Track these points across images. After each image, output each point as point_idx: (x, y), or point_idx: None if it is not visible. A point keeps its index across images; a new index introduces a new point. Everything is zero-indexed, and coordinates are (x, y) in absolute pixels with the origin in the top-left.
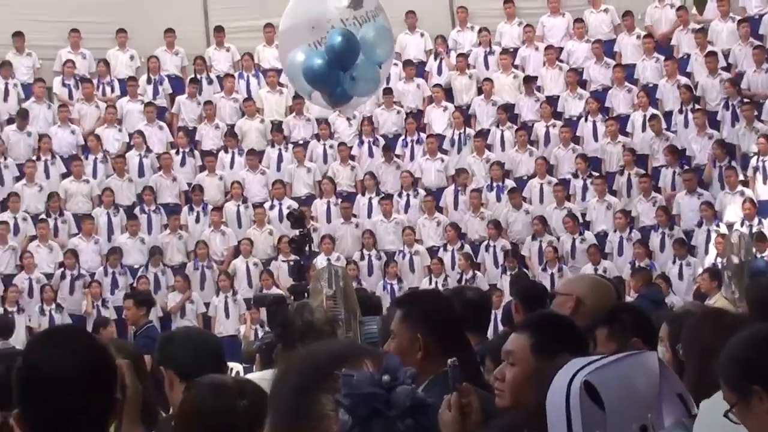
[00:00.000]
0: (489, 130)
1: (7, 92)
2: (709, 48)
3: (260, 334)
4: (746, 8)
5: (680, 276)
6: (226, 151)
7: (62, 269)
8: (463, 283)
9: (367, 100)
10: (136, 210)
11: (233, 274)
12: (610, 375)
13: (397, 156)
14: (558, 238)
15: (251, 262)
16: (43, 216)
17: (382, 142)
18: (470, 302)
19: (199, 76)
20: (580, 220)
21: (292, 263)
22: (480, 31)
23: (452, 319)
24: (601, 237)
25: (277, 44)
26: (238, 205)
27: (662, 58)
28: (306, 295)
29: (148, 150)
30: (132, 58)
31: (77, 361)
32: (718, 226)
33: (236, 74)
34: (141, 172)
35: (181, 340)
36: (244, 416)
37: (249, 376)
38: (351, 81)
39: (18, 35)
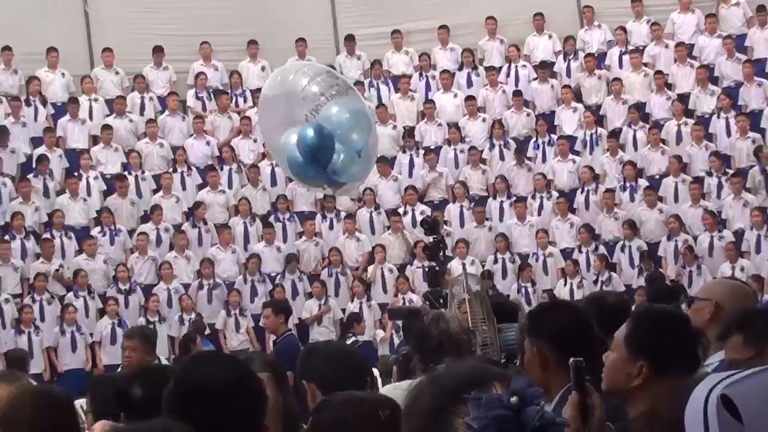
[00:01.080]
0: (621, 130)
1: (143, 106)
2: None
3: (396, 340)
4: None
5: None
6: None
7: (199, 279)
8: (598, 284)
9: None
10: (271, 218)
11: (370, 281)
12: (751, 387)
13: (529, 158)
14: (695, 237)
15: (386, 268)
16: (183, 227)
17: (513, 145)
18: (610, 307)
19: None
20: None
21: (427, 269)
22: (616, 29)
23: (575, 329)
24: (738, 235)
25: (405, 50)
26: (371, 212)
27: None
28: (442, 300)
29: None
30: (263, 69)
31: (223, 375)
32: None
33: (366, 82)
34: (274, 182)
35: (323, 354)
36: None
37: (383, 389)
38: (335, 174)
39: (158, 50)
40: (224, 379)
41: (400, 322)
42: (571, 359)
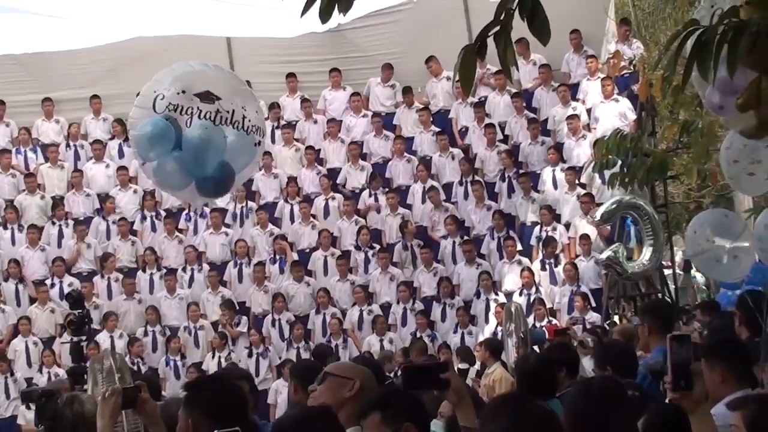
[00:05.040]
0: (276, 203)
1: None
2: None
3: None
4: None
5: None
6: (5, 227)
7: None
8: (253, 357)
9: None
10: None
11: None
12: None
13: (180, 230)
14: (343, 311)
15: (31, 341)
16: None
17: (163, 214)
18: None
19: None
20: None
21: (71, 344)
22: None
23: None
24: (385, 308)
25: (56, 118)
26: (17, 283)
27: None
28: (84, 377)
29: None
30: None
31: None
32: (497, 295)
33: (13, 149)
34: None
35: None
36: None
37: None
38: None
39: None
40: None
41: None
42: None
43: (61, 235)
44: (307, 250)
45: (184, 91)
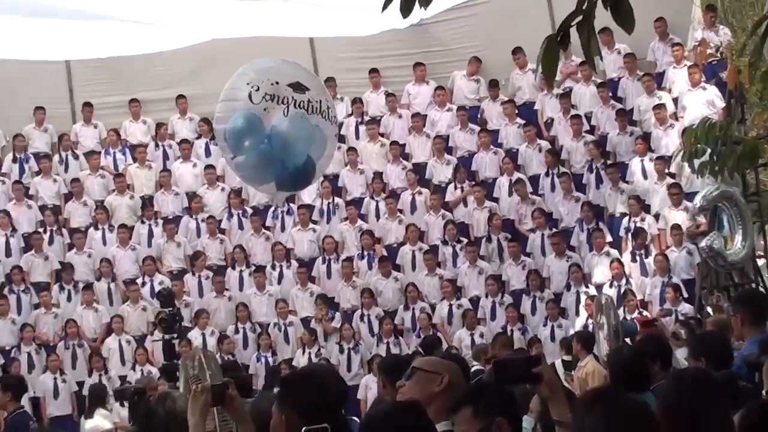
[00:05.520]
0: (362, 199)
1: None
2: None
3: None
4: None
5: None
6: (96, 228)
7: None
8: (345, 352)
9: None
10: (5, 290)
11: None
12: None
13: (267, 228)
14: (432, 306)
15: (124, 339)
16: None
17: (250, 212)
18: None
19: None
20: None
21: (163, 342)
22: (353, 101)
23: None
24: (474, 302)
25: (143, 119)
26: (108, 283)
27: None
28: (176, 374)
29: (14, 230)
30: None
31: None
32: (587, 287)
33: (102, 150)
34: (8, 253)
35: None
36: None
37: None
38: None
39: None
40: None
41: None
42: (304, 428)
43: (150, 234)
44: (395, 245)
45: (277, 82)
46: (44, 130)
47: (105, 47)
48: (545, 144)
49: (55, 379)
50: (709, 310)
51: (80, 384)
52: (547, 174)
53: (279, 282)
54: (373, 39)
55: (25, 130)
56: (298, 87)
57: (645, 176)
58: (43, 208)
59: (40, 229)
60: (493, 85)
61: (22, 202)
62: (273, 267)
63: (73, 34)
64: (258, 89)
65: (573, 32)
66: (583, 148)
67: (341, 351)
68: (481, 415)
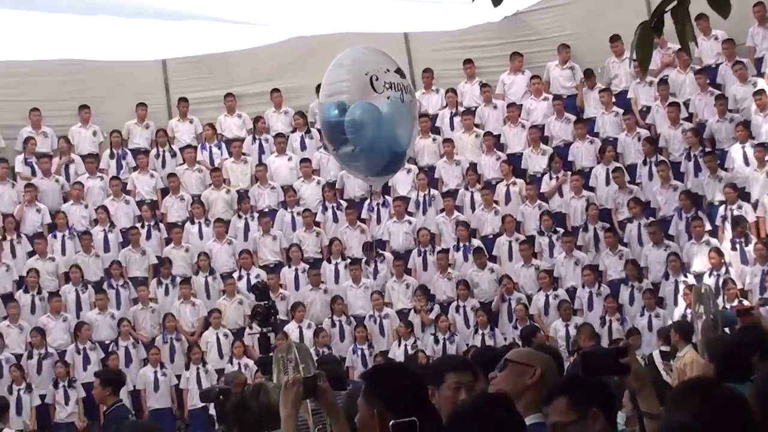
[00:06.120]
0: (457, 191)
1: None
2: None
3: None
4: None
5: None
6: (193, 222)
7: (30, 348)
8: (440, 344)
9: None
10: (104, 285)
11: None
12: None
13: (363, 220)
14: (528, 297)
15: (221, 332)
16: (16, 295)
17: (345, 205)
18: None
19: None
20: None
21: (259, 335)
22: (447, 91)
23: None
24: (571, 293)
25: (238, 113)
26: (206, 277)
27: (621, 111)
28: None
29: (112, 225)
30: (95, 133)
31: None
32: (685, 276)
33: (198, 145)
34: (107, 248)
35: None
36: None
37: None
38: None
39: None
40: None
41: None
42: (392, 422)
43: (247, 228)
44: (491, 237)
45: (388, 70)
46: (146, 126)
47: (200, 46)
48: (644, 132)
49: (155, 372)
50: None
51: (178, 377)
52: (644, 162)
53: (374, 275)
54: (467, 32)
55: (126, 126)
56: (400, 72)
57: (747, 163)
58: (140, 204)
59: (138, 224)
60: (588, 74)
61: (120, 198)
62: (367, 263)
63: (169, 34)
64: (377, 78)
65: (668, 19)
66: (680, 136)
67: (436, 342)
68: (575, 406)
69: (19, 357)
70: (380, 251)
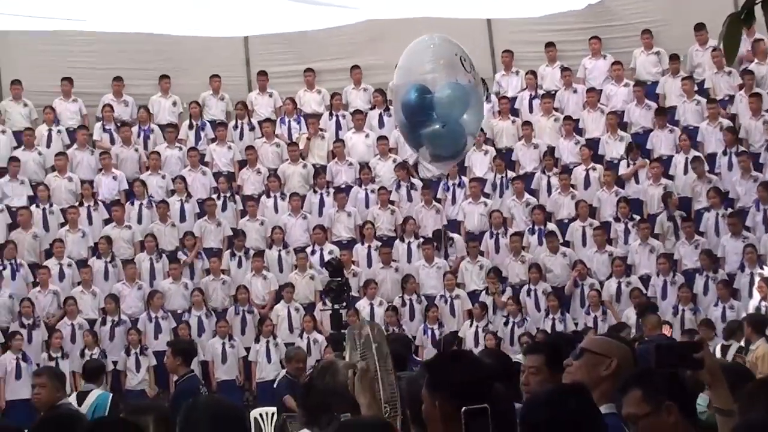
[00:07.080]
0: (532, 174)
1: (50, 138)
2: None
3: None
4: None
5: None
6: (269, 196)
7: (104, 315)
8: (509, 326)
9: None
10: (179, 255)
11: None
12: None
13: (438, 200)
14: (601, 283)
15: (293, 307)
16: (89, 261)
17: (419, 185)
18: None
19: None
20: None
21: (331, 312)
22: (526, 74)
23: (476, 382)
24: (644, 280)
25: (317, 89)
26: (279, 250)
27: (704, 100)
28: (343, 344)
29: (189, 195)
30: (174, 104)
31: None
32: (761, 269)
33: (277, 119)
34: (183, 218)
35: (204, 411)
36: None
37: None
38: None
39: (66, 81)
40: None
41: None
42: (464, 408)
43: (322, 203)
44: (566, 221)
45: (464, 53)
46: (221, 98)
47: (282, 24)
48: (726, 122)
49: (224, 344)
50: None
51: (247, 349)
52: (724, 153)
53: (445, 257)
54: (549, 18)
55: (201, 97)
56: (472, 64)
57: None
58: (217, 175)
59: (214, 196)
60: (674, 59)
61: (197, 169)
62: (437, 248)
63: (250, 11)
64: (465, 60)
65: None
66: (761, 127)
67: (506, 324)
68: (649, 398)
69: (91, 322)
70: (450, 235)
